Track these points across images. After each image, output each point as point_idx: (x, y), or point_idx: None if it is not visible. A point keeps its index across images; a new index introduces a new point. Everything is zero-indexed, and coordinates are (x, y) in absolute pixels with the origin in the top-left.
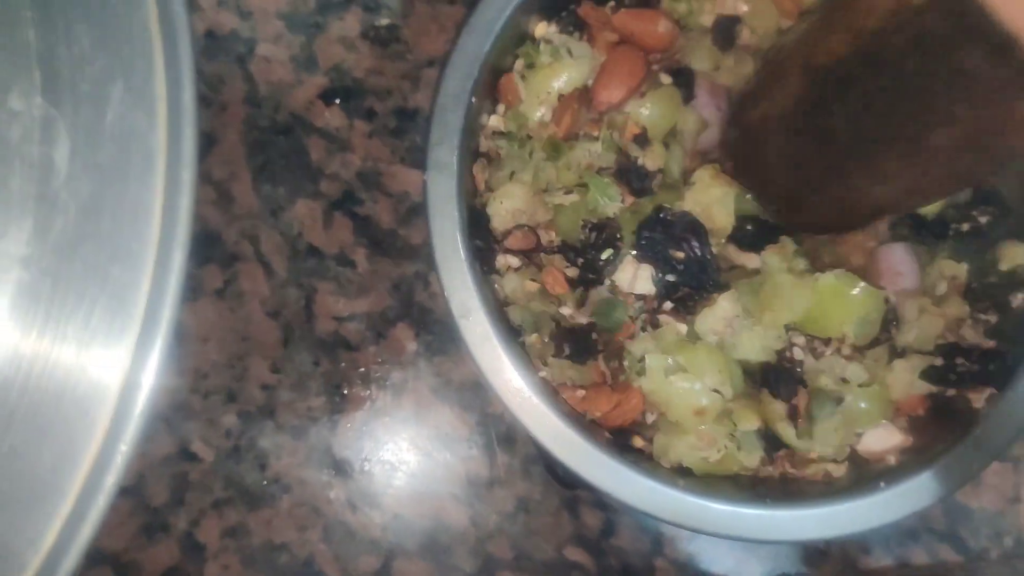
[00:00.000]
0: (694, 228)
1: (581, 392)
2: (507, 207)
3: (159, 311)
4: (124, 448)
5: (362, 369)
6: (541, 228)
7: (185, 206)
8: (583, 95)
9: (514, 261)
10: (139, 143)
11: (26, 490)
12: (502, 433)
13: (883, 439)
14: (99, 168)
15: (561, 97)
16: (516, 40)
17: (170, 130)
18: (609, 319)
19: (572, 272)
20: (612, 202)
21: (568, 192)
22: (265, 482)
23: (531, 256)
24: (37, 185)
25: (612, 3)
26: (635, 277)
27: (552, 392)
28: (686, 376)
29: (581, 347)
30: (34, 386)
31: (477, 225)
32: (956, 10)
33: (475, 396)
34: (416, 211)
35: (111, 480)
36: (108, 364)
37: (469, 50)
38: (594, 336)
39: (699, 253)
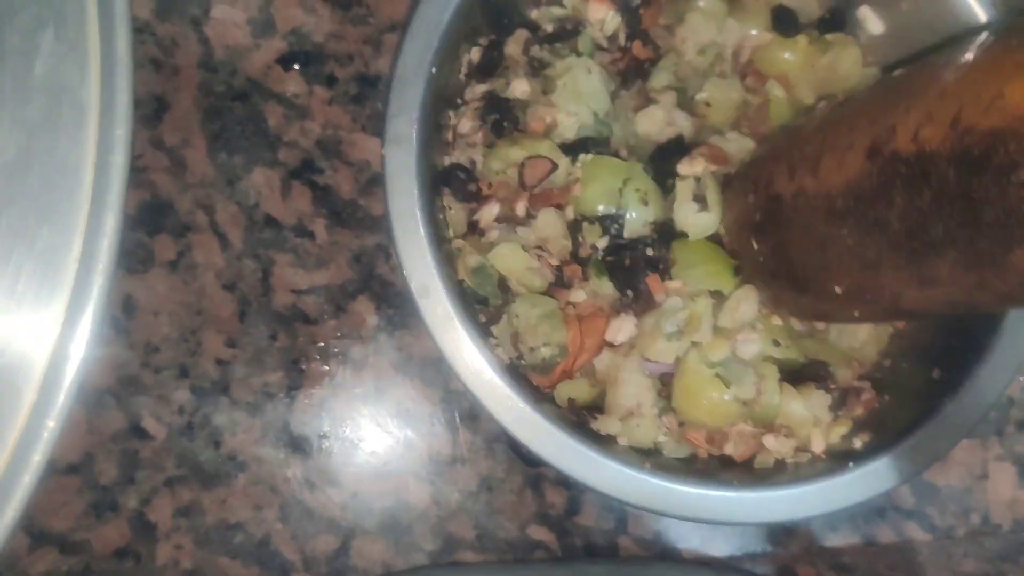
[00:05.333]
0: None
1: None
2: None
3: (91, 275)
4: (52, 424)
5: (321, 344)
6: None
7: (119, 164)
8: None
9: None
10: (70, 96)
11: None
12: (465, 410)
13: None
14: (27, 123)
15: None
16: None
17: (103, 83)
18: None
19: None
20: None
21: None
22: (220, 460)
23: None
24: None
25: None
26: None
27: (513, 371)
28: None
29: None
30: None
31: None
32: None
33: (437, 372)
34: (377, 181)
35: (37, 458)
36: (36, 333)
37: (429, 18)
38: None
39: None
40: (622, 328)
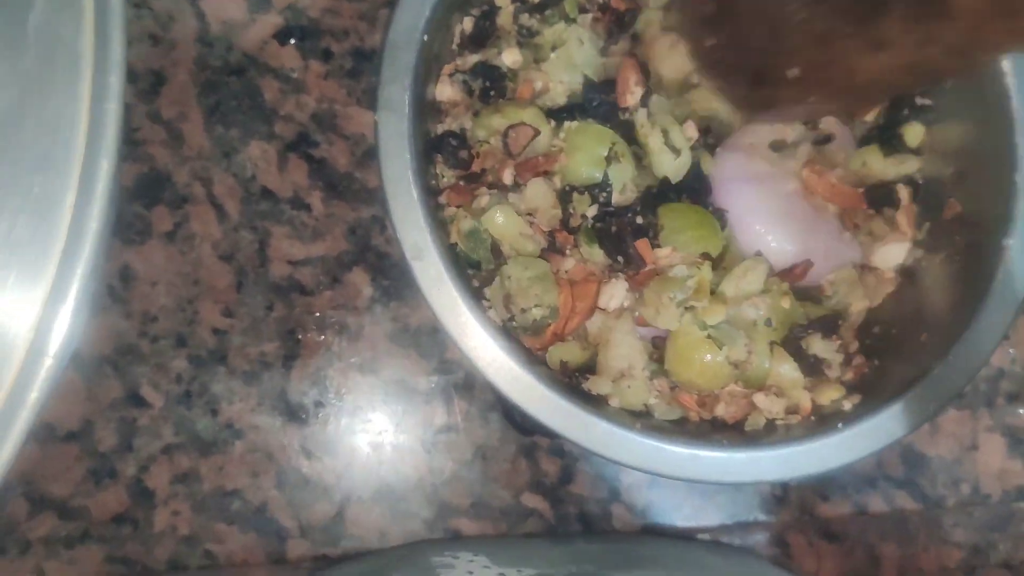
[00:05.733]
0: None
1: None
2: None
3: (86, 221)
4: (49, 361)
5: (317, 314)
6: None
7: (113, 110)
8: None
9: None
10: (64, 48)
11: None
12: (460, 380)
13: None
14: (20, 75)
15: None
16: None
17: (97, 34)
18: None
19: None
20: None
21: None
22: (217, 428)
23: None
24: None
25: None
26: None
27: (505, 333)
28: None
29: None
30: None
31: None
32: None
33: (432, 342)
34: (372, 154)
35: (34, 395)
36: (32, 276)
37: None
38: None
39: None
40: (614, 294)
